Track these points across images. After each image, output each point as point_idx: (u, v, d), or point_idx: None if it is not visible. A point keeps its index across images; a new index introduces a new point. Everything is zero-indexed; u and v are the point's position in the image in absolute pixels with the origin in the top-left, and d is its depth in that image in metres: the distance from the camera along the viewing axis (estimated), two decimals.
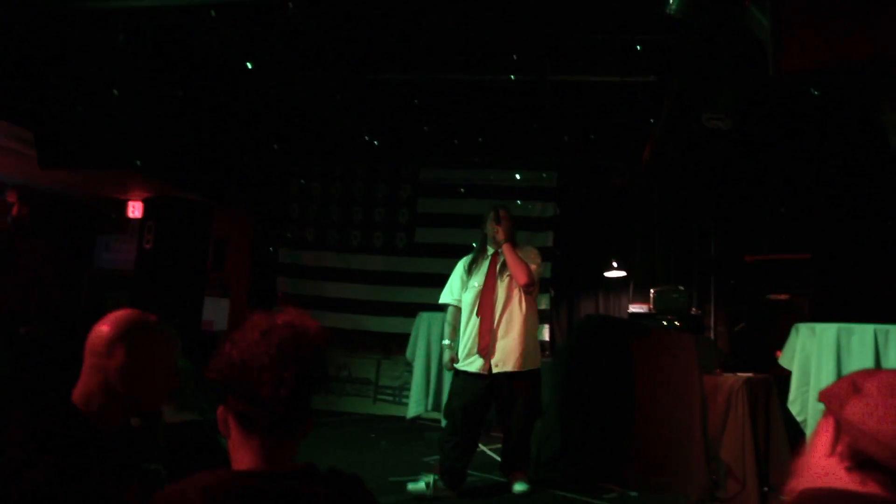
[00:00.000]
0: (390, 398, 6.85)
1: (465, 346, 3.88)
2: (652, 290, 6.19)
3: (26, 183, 6.43)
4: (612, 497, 3.82)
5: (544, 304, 6.79)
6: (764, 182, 6.36)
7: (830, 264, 5.43)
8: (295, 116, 6.36)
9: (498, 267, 3.93)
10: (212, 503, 0.96)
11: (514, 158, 7.00)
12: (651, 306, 6.14)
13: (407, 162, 7.20)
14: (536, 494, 3.82)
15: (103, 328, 1.46)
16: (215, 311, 6.97)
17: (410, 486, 3.78)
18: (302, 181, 7.31)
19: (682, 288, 6.14)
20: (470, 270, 4.03)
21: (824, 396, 1.03)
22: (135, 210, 6.44)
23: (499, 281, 3.88)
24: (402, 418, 6.23)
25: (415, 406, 5.40)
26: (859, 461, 0.95)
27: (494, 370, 3.76)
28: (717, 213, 6.64)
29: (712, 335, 6.43)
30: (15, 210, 6.57)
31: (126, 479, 1.38)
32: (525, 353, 3.79)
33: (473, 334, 3.84)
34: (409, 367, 6.32)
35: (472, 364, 3.81)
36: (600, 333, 4.59)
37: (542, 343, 6.72)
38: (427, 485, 3.75)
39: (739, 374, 3.94)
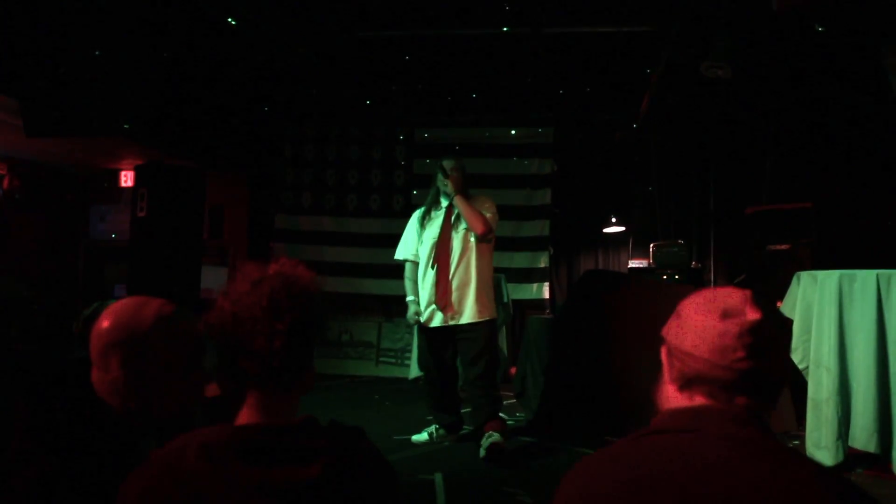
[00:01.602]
0: (392, 360, 6.89)
1: (424, 300, 3.89)
2: (651, 245, 6.17)
3: (16, 154, 6.34)
4: None
5: (543, 262, 6.78)
6: (763, 131, 6.28)
7: (831, 212, 5.39)
8: (287, 79, 6.24)
9: (452, 219, 3.89)
10: (209, 459, 0.94)
11: (509, 115, 6.90)
12: (651, 261, 6.13)
13: (401, 123, 7.10)
14: (533, 444, 3.86)
15: (103, 325, 1.28)
16: (214, 280, 6.94)
17: (415, 438, 3.98)
18: (291, 146, 7.21)
19: (681, 242, 6.13)
20: (423, 224, 3.99)
21: (663, 329, 1.11)
22: (127, 178, 6.36)
23: (454, 233, 3.85)
24: (405, 379, 6.28)
25: (416, 367, 5.42)
26: (686, 380, 1.03)
27: (451, 322, 3.79)
28: (716, 165, 6.58)
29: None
30: (6, 182, 6.48)
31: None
32: (481, 304, 3.79)
33: (430, 287, 3.84)
34: (410, 328, 6.34)
35: (434, 318, 3.85)
36: (600, 288, 4.58)
37: (541, 301, 6.76)
38: (430, 434, 3.99)
39: None
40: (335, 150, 7.19)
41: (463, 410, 4.10)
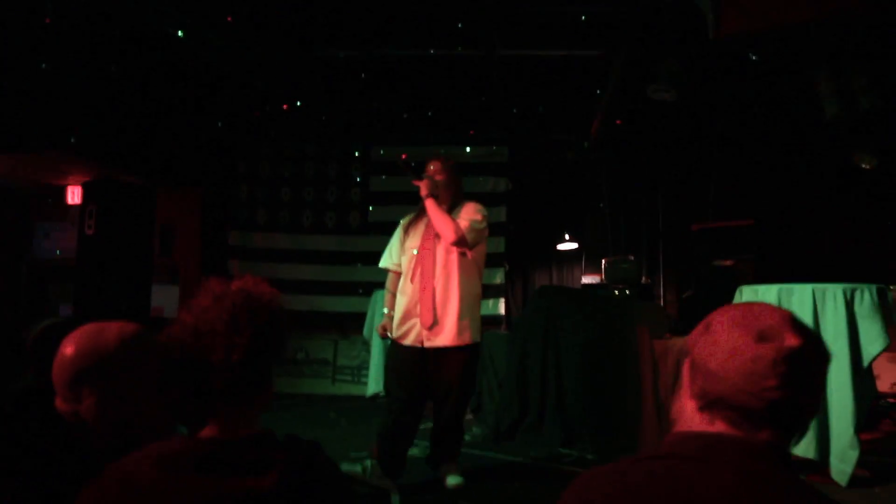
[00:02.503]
0: (349, 378, 6.83)
1: (398, 315, 3.41)
2: (603, 261, 6.33)
3: None
4: (570, 461, 3.92)
5: (499, 278, 6.86)
6: (708, 152, 6.54)
7: (772, 229, 5.64)
8: (241, 95, 6.20)
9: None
10: (165, 471, 0.94)
11: (464, 134, 7.01)
12: (603, 277, 6.29)
13: (357, 140, 7.12)
14: (489, 458, 3.88)
15: (66, 352, 1.25)
16: (165, 298, 6.78)
17: (345, 466, 3.32)
18: (245, 163, 7.15)
19: (632, 258, 6.31)
20: (407, 232, 3.51)
21: (688, 339, 1.01)
22: (74, 195, 6.18)
23: (436, 244, 3.36)
24: (362, 397, 6.23)
25: (374, 384, 5.40)
26: (708, 401, 0.93)
27: (426, 343, 3.31)
28: (664, 183, 6.81)
29: (662, 303, 6.63)
30: None
31: None
32: (461, 326, 3.30)
33: (405, 303, 3.38)
34: (366, 346, 6.31)
35: (407, 335, 3.36)
36: (553, 303, 4.67)
37: (497, 317, 6.82)
38: (364, 468, 3.32)
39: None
40: (290, 166, 7.15)
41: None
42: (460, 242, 3.29)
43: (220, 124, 6.77)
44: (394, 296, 3.53)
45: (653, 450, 0.95)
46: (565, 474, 3.73)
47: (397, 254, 3.56)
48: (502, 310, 6.84)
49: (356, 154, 7.14)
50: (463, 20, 4.92)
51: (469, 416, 5.04)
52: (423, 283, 3.34)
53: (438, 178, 3.39)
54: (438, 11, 4.80)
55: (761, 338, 0.91)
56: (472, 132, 6.99)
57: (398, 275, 3.55)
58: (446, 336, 3.30)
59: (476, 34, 5.08)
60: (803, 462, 3.43)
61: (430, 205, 3.31)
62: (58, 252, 7.02)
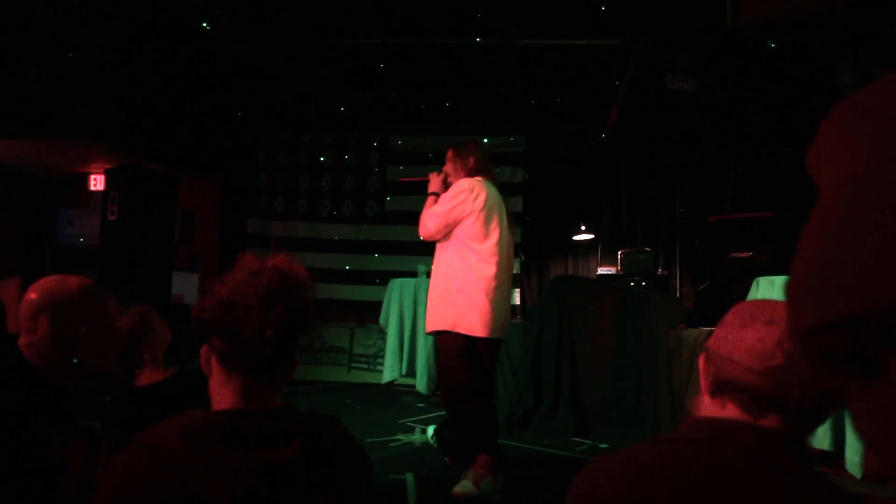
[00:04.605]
0: (365, 366, 6.90)
1: None
2: (619, 252, 6.31)
3: None
4: (583, 450, 3.94)
5: (515, 268, 6.87)
6: (726, 142, 6.49)
7: (790, 220, 5.58)
8: (261, 84, 6.26)
9: None
10: (190, 441, 0.98)
11: (481, 124, 7.01)
12: (619, 268, 6.27)
13: (375, 129, 7.16)
14: (505, 446, 3.92)
15: (31, 296, 1.48)
16: (185, 285, 6.89)
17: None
18: (265, 152, 7.22)
19: (648, 249, 6.28)
20: None
21: (707, 341, 1.03)
22: (97, 182, 6.29)
23: None
24: (378, 385, 6.30)
25: (389, 371, 5.45)
26: (718, 385, 0.96)
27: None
28: (681, 175, 6.77)
29: (678, 294, 6.60)
30: None
31: (71, 434, 1.41)
32: (431, 311, 3.17)
33: None
34: (382, 334, 6.36)
35: None
36: (569, 293, 4.68)
37: (512, 307, 6.84)
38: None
39: (703, 328, 4.07)
40: (309, 155, 7.21)
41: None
42: (424, 237, 3.19)
43: (239, 114, 6.84)
44: None
45: (664, 435, 0.96)
46: (579, 463, 3.75)
47: None
48: (517, 299, 6.86)
49: (374, 144, 7.18)
50: (482, 10, 4.91)
51: None
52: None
53: (445, 172, 3.32)
54: (458, 1, 4.81)
55: (770, 321, 0.93)
56: (489, 122, 6.99)
57: None
58: (428, 323, 3.22)
59: (495, 24, 5.07)
60: (818, 453, 3.42)
61: (427, 202, 3.26)
62: (81, 239, 7.15)
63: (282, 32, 5.12)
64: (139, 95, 5.24)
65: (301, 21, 5.05)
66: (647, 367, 4.14)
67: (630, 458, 0.92)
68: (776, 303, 0.97)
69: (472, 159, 3.26)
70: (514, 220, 3.47)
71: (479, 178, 3.16)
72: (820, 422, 0.93)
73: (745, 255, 5.60)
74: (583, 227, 6.74)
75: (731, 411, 0.94)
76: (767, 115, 6.00)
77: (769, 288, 3.64)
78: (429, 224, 3.12)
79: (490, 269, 3.07)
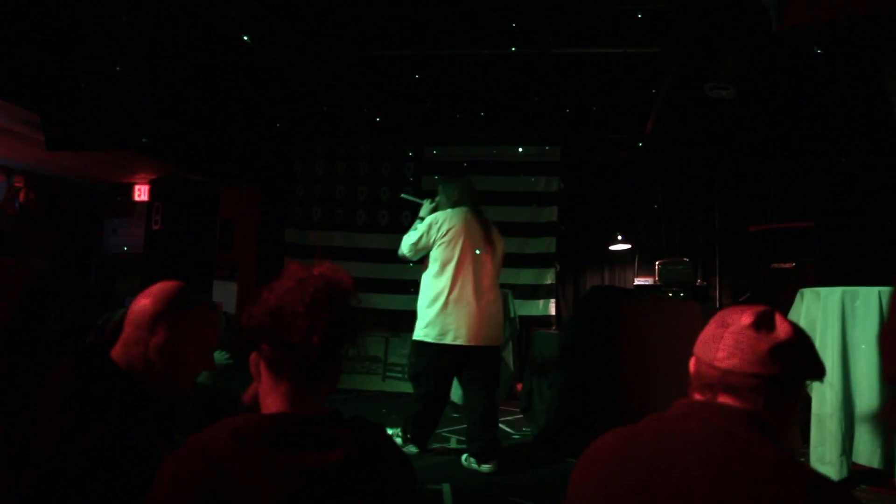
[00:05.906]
0: (399, 375, 6.92)
1: None
2: (657, 263, 6.23)
3: (32, 168, 6.46)
4: None
5: (550, 278, 6.84)
6: (767, 151, 6.36)
7: (834, 231, 5.44)
8: (298, 95, 6.37)
9: None
10: (240, 443, 1.01)
11: (517, 133, 7.01)
12: (656, 279, 6.19)
13: (410, 140, 7.22)
14: (540, 457, 3.88)
15: (145, 302, 1.45)
16: (224, 294, 7.02)
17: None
18: (302, 162, 7.33)
19: (686, 260, 6.19)
20: None
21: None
22: (141, 193, 6.47)
23: None
24: (412, 394, 6.31)
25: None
26: (699, 384, 1.15)
27: None
28: (720, 184, 6.65)
29: (718, 306, 6.47)
30: (22, 195, 6.61)
31: (170, 446, 1.38)
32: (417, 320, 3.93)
33: None
34: None
35: None
36: (606, 304, 4.63)
37: (548, 317, 6.81)
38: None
39: None
40: (345, 166, 7.31)
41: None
42: (399, 256, 3.98)
43: (278, 125, 6.97)
44: None
45: (660, 413, 1.16)
46: None
47: None
48: (553, 310, 6.82)
49: (409, 154, 7.24)
50: (517, 19, 4.93)
51: (519, 415, 5.05)
52: None
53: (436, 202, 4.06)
54: (492, 10, 4.83)
55: (722, 325, 1.13)
56: (524, 131, 6.99)
57: None
58: None
59: (530, 32, 5.08)
60: (868, 471, 3.31)
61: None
62: (125, 248, 7.35)
63: (319, 45, 5.21)
64: (182, 108, 5.39)
65: (337, 34, 5.14)
66: (684, 380, 4.06)
67: (626, 430, 1.13)
68: (745, 310, 1.13)
69: (455, 193, 3.98)
70: (499, 234, 4.06)
71: (459, 209, 3.88)
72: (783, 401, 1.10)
73: (787, 265, 5.48)
74: (619, 237, 6.67)
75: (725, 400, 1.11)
76: (809, 122, 5.87)
77: (815, 300, 3.55)
78: (403, 247, 3.93)
79: (445, 285, 3.76)
